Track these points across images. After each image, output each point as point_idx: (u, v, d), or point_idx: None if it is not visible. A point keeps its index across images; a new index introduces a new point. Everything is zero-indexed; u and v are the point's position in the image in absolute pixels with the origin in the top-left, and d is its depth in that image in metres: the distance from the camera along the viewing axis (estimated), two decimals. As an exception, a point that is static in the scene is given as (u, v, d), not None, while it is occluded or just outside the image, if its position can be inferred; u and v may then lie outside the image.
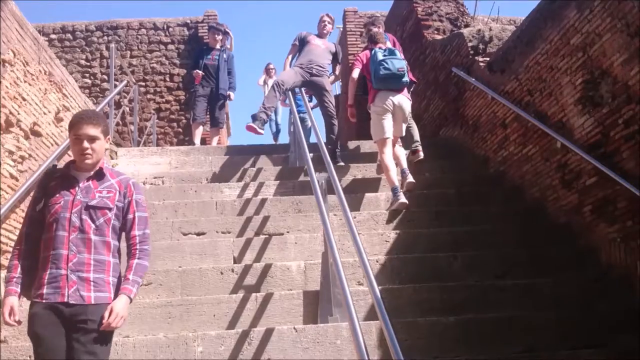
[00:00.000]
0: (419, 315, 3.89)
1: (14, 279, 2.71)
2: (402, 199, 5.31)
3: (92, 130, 2.77)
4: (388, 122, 5.72)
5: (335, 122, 6.77)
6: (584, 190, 4.63)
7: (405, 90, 5.91)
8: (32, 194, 2.87)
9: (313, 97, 7.70)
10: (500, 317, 3.84)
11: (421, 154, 6.45)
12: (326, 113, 6.73)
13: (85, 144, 2.76)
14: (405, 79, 5.82)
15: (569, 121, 4.85)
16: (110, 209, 2.77)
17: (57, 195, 2.75)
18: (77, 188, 2.77)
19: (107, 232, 2.75)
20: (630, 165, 4.05)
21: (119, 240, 2.83)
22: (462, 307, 3.97)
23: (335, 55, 7.00)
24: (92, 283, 2.67)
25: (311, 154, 5.12)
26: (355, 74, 6.11)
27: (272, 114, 7.27)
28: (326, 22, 7.02)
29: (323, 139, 5.73)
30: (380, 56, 5.81)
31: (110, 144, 6.67)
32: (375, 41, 6.13)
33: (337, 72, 7.30)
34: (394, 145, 5.86)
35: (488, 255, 4.60)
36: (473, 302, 4.04)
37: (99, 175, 2.84)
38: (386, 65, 5.75)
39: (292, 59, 7.04)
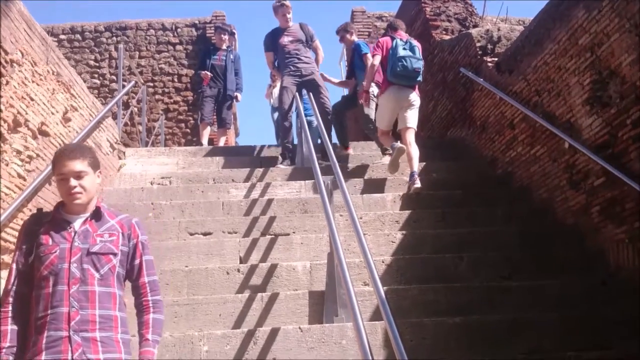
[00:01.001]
0: (424, 316, 3.87)
1: (4, 350, 2.29)
2: (399, 144, 5.80)
3: (78, 165, 2.41)
4: (392, 116, 6.10)
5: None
6: (592, 191, 4.60)
7: (416, 87, 6.14)
8: (17, 245, 2.48)
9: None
10: (505, 319, 3.82)
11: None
12: (323, 111, 6.58)
13: (72, 182, 2.39)
14: (419, 78, 6.04)
15: (577, 122, 4.82)
16: (114, 255, 2.42)
17: (51, 244, 2.37)
18: (73, 233, 2.40)
19: (112, 282, 2.38)
20: (638, 165, 4.02)
21: (123, 290, 2.47)
22: (468, 308, 3.95)
23: (307, 37, 6.87)
24: (99, 343, 2.29)
25: (318, 155, 5.14)
26: (377, 60, 6.12)
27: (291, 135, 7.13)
28: (285, 12, 6.82)
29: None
30: (400, 51, 5.91)
31: (118, 144, 6.70)
32: (395, 27, 6.31)
33: (319, 54, 7.09)
34: (408, 140, 5.92)
35: (494, 257, 4.58)
36: (479, 303, 4.02)
37: (97, 216, 2.47)
38: (404, 63, 5.88)
39: (275, 65, 7.02)
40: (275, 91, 8.67)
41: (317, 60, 7.12)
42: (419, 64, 5.95)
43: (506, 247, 4.76)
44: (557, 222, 5.10)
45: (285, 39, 6.77)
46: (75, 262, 2.35)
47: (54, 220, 2.47)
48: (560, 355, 3.46)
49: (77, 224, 2.44)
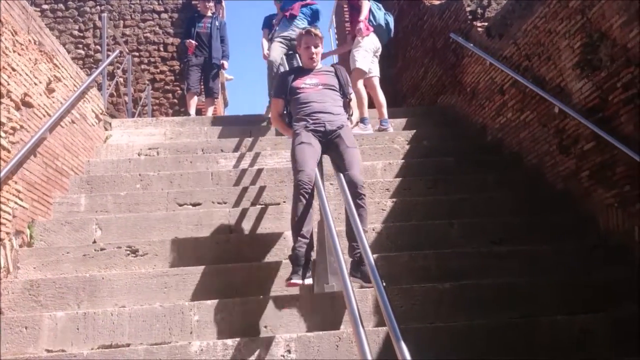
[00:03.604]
0: (414, 282, 3.89)
1: None
2: (370, 130, 6.40)
3: None
4: (370, 59, 6.65)
5: None
6: (582, 156, 4.59)
7: None
8: None
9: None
10: (497, 283, 3.84)
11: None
12: (355, 192, 3.73)
13: None
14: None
15: (567, 85, 4.78)
16: None
17: None
18: None
19: None
20: (628, 129, 4.00)
21: None
22: (459, 274, 3.97)
23: (343, 85, 4.21)
24: None
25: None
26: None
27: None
28: (310, 44, 4.15)
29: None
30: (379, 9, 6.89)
31: (104, 115, 6.60)
32: None
33: (351, 114, 4.30)
34: (377, 88, 6.73)
35: (485, 223, 4.59)
36: (469, 268, 4.04)
37: None
38: (390, 19, 6.87)
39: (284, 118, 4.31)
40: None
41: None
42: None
43: (497, 213, 4.77)
44: (547, 187, 5.10)
45: (307, 81, 4.13)
46: None
47: None
48: (550, 319, 3.49)
49: None
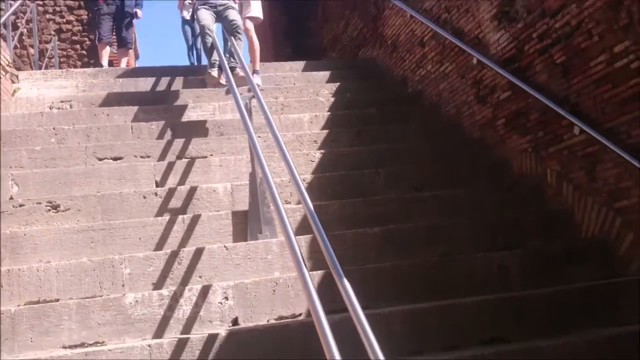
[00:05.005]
0: (345, 228, 4.00)
1: None
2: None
3: None
4: None
5: None
6: (498, 105, 4.82)
7: None
8: None
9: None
10: (420, 226, 4.02)
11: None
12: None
13: None
14: None
15: (485, 37, 4.97)
16: None
17: None
18: None
19: None
20: (542, 78, 4.24)
21: None
22: (385, 219, 4.11)
23: None
24: None
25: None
26: None
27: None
28: None
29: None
30: None
31: (10, 67, 6.15)
32: None
33: None
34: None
35: (408, 170, 4.75)
36: (395, 213, 4.20)
37: None
38: None
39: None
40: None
41: None
42: None
43: (419, 161, 4.95)
44: (465, 136, 5.33)
45: None
46: None
47: None
48: (470, 257, 3.72)
49: None
